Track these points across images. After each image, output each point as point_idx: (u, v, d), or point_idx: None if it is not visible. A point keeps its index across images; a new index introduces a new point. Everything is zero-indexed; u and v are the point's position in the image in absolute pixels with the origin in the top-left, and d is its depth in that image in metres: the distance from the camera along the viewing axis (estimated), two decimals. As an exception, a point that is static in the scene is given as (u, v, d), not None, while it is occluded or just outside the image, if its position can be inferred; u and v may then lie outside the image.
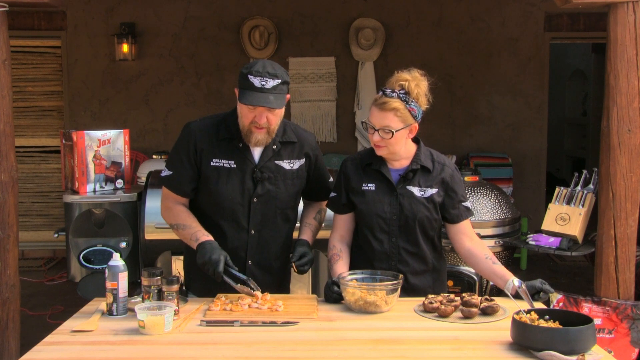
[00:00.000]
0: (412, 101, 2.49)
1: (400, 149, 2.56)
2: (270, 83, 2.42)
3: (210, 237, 2.52)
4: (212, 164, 2.57)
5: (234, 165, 2.57)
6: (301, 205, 2.82)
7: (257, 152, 2.59)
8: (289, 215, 2.69)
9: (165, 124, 7.01)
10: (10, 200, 3.24)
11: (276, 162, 2.60)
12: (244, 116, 2.49)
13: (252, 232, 2.61)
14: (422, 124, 2.60)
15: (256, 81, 2.41)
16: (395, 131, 2.48)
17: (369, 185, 2.60)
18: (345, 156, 6.66)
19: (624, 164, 3.27)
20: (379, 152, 2.57)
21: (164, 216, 2.68)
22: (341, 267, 2.59)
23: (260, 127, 2.47)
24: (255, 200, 2.58)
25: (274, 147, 2.59)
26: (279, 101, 2.45)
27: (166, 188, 2.64)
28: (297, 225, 2.77)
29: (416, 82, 2.51)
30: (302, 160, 2.66)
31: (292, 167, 2.63)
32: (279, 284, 2.72)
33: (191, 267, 2.68)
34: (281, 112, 2.52)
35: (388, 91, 2.50)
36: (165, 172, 2.63)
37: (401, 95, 2.48)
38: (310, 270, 3.37)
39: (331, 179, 2.81)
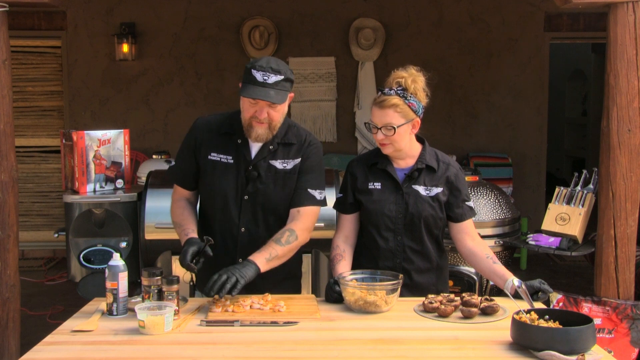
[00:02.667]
0: (410, 96, 2.52)
1: (405, 146, 2.58)
2: (273, 78, 2.43)
3: (192, 235, 2.52)
4: (209, 157, 2.59)
5: (232, 161, 2.58)
6: None
7: (254, 150, 2.58)
8: (284, 216, 2.63)
9: (165, 124, 7.01)
10: (10, 200, 3.24)
11: (270, 161, 2.59)
12: (245, 110, 2.50)
13: (243, 229, 2.59)
14: (422, 124, 2.61)
15: (259, 75, 2.43)
16: (397, 127, 2.51)
17: (375, 184, 2.62)
18: (345, 156, 6.74)
19: (624, 164, 3.27)
20: (384, 151, 2.59)
21: (170, 211, 2.72)
22: (343, 267, 2.59)
23: (261, 121, 2.48)
24: (246, 197, 2.58)
25: (271, 147, 2.58)
26: (279, 97, 2.45)
27: (171, 180, 2.73)
28: None
29: (412, 77, 2.55)
30: (297, 160, 2.62)
31: (285, 167, 2.60)
32: (273, 284, 2.59)
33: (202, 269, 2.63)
34: (283, 108, 2.52)
35: (386, 90, 2.55)
36: (171, 164, 2.72)
37: (399, 92, 2.52)
38: (310, 270, 3.34)
39: (318, 192, 2.61)
